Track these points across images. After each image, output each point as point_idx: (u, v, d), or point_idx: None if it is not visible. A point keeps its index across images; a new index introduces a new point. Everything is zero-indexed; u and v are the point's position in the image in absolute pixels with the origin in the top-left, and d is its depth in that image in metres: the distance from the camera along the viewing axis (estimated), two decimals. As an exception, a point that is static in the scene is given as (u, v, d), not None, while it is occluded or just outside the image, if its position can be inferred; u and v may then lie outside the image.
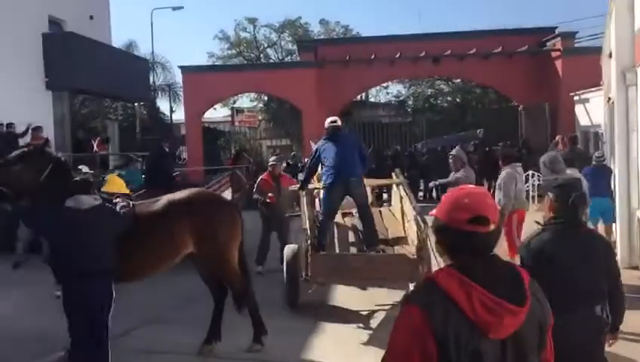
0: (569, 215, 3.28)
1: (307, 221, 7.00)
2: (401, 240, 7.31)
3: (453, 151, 8.69)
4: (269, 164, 9.71)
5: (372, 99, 36.17)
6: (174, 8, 30.43)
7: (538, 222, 3.52)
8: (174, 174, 11.97)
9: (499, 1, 64.56)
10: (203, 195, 5.79)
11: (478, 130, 23.54)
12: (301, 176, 8.74)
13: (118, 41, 26.00)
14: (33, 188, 4.92)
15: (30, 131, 12.95)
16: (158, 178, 10.14)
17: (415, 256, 6.39)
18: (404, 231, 7.51)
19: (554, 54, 19.40)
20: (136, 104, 27.14)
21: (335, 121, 7.25)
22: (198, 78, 20.28)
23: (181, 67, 20.89)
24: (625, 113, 8.53)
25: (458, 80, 29.34)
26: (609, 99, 10.00)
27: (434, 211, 1.97)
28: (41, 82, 17.38)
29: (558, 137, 12.85)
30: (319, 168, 7.52)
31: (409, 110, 32.75)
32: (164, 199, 5.32)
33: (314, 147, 7.46)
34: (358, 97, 27.58)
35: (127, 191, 6.53)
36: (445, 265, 1.91)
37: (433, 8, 62.49)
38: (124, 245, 4.64)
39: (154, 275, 5.39)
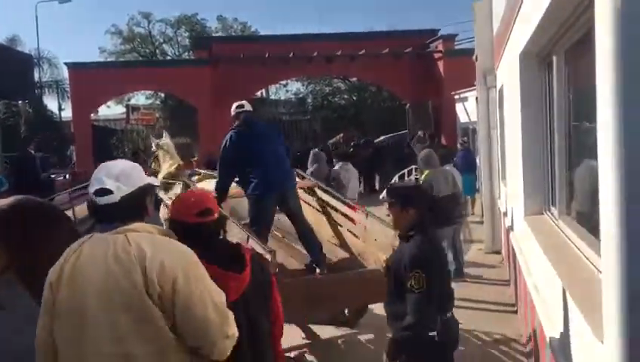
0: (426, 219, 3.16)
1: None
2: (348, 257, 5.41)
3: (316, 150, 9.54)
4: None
5: (272, 97, 36.53)
6: (61, 1, 29.06)
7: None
8: (50, 177, 11.67)
9: (392, 4, 67.14)
10: (25, 203, 4.92)
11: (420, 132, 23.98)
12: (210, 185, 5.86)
13: (-2, 35, 24.46)
14: None
15: None
16: (23, 182, 9.91)
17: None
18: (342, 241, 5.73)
19: (436, 55, 20.58)
20: (20, 102, 25.68)
21: (243, 106, 5.40)
22: (85, 75, 19.57)
23: (67, 63, 20.08)
24: (486, 112, 9.32)
25: (354, 79, 30.28)
26: (476, 98, 10.84)
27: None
28: None
29: (420, 132, 13.91)
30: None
31: (309, 108, 33.31)
32: None
33: (223, 143, 5.29)
34: (259, 94, 27.76)
35: None
36: None
37: (333, 8, 63.85)
38: None
39: None
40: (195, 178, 6.79)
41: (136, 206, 2.08)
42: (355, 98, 33.51)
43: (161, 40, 37.42)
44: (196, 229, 2.42)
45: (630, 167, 1.48)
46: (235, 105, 5.47)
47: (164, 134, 7.28)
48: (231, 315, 2.08)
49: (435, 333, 2.83)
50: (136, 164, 2.17)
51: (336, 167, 8.73)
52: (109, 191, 2.01)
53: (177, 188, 6.29)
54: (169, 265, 1.92)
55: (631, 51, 1.49)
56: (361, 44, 20.45)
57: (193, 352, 2.00)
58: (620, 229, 1.52)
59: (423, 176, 7.12)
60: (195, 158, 11.36)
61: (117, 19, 66.22)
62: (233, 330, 2.07)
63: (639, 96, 1.48)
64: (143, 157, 18.01)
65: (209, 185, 5.85)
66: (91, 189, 2.05)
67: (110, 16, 65.23)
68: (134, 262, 1.90)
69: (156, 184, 2.25)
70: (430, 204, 3.38)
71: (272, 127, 6.51)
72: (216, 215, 2.50)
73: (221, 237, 2.65)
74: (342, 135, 22.93)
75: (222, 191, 5.09)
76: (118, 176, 2.04)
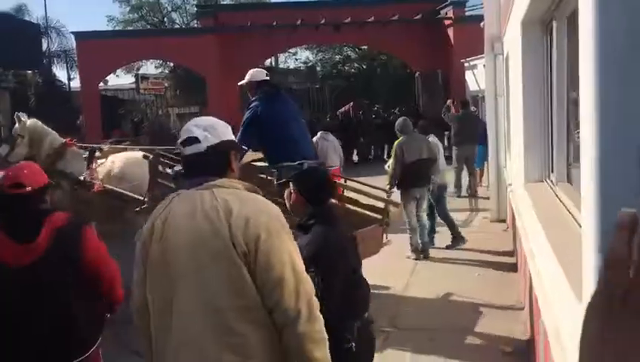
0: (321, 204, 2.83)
1: None
2: None
3: None
4: None
5: (282, 66, 36.26)
6: (68, -31, 28.75)
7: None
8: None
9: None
10: None
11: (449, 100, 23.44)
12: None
13: (5, 4, 24.36)
14: None
15: None
16: None
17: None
18: None
19: (446, 22, 20.27)
20: (29, 72, 25.73)
21: (265, 75, 5.35)
22: (93, 45, 19.52)
23: (74, 33, 20.02)
24: (493, 80, 9.23)
25: (364, 47, 29.94)
26: (484, 66, 10.72)
27: None
28: None
29: (449, 101, 13.61)
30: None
31: (319, 76, 33.06)
32: None
33: (249, 112, 5.11)
34: (268, 63, 27.57)
35: None
36: None
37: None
38: None
39: None
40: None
41: (222, 159, 2.09)
42: (364, 67, 33.18)
43: (169, 8, 37.11)
44: (8, 200, 2.72)
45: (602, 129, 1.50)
46: (254, 71, 5.35)
47: (22, 117, 6.40)
48: (310, 283, 2.01)
49: (351, 344, 2.57)
50: (224, 122, 2.19)
51: (316, 137, 8.63)
52: (196, 140, 2.04)
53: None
54: (253, 222, 1.93)
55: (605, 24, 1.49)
56: (370, 11, 20.17)
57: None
58: (595, 185, 1.54)
59: (396, 142, 7.36)
60: None
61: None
62: (309, 298, 1.97)
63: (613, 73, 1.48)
64: (146, 127, 18.05)
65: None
66: (180, 140, 2.09)
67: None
68: (221, 219, 1.92)
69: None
70: (320, 187, 2.87)
71: (292, 97, 6.53)
72: (28, 188, 2.71)
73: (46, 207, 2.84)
74: (351, 104, 22.79)
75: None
76: (206, 127, 2.08)
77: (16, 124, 6.33)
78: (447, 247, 7.57)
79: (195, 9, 35.00)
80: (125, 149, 6.96)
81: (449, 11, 20.40)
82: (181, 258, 1.95)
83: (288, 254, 1.96)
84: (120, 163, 6.25)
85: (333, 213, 2.90)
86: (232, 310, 1.91)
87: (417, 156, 7.23)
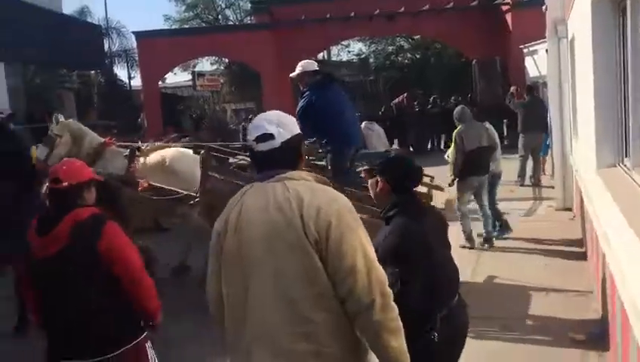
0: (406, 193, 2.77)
1: None
2: None
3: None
4: None
5: (334, 59, 36.21)
6: (126, -29, 29.66)
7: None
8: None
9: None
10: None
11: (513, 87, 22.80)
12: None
13: (69, 7, 25.38)
14: None
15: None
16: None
17: None
18: None
19: (504, 8, 19.76)
20: (92, 72, 26.73)
21: (316, 66, 5.62)
22: (152, 44, 20.10)
23: (135, 33, 20.69)
24: (557, 65, 8.96)
25: (418, 36, 29.53)
26: (546, 50, 10.42)
27: None
28: (-9, 54, 17.06)
29: (512, 88, 13.27)
30: None
31: (372, 68, 32.87)
32: None
33: (303, 102, 5.30)
34: (320, 56, 27.63)
35: None
36: None
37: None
38: None
39: None
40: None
41: (294, 152, 2.12)
42: (418, 57, 32.75)
43: (223, 5, 37.72)
44: (52, 194, 2.87)
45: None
46: (303, 64, 5.48)
47: (60, 117, 6.59)
48: (382, 271, 2.02)
49: (434, 335, 2.48)
50: (287, 115, 2.20)
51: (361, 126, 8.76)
52: (270, 137, 2.06)
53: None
54: (324, 211, 1.95)
55: None
56: (424, 0, 19.89)
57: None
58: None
59: (455, 131, 7.31)
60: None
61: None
62: (382, 286, 1.98)
63: None
64: (209, 122, 18.45)
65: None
66: (251, 136, 2.11)
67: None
68: (294, 210, 1.95)
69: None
70: (409, 175, 2.80)
71: (343, 87, 6.84)
72: (64, 184, 2.82)
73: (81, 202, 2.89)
74: (405, 95, 22.61)
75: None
76: (278, 123, 2.09)
77: (53, 125, 6.46)
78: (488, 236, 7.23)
79: (250, 5, 35.60)
80: (167, 147, 6.96)
81: (506, -5, 19.87)
82: (255, 250, 1.99)
83: (359, 241, 1.97)
84: (169, 157, 6.37)
85: (417, 203, 2.83)
86: (306, 299, 1.93)
87: (477, 144, 7.11)
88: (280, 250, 1.95)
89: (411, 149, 18.03)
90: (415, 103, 19.84)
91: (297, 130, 2.15)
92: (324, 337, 1.94)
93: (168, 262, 6.50)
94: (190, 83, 35.28)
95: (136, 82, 30.99)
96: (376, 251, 2.29)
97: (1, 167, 5.02)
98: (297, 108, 5.28)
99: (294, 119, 2.19)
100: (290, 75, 5.58)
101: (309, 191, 2.00)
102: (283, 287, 1.94)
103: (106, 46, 27.70)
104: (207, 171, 5.28)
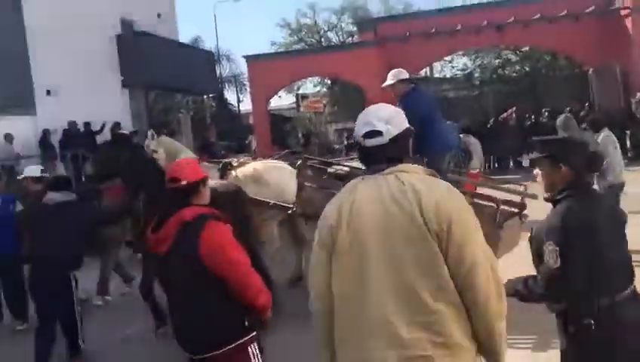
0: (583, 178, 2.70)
1: None
2: None
3: None
4: None
5: (437, 75, 35.82)
6: (236, 0, 31.28)
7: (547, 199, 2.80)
8: None
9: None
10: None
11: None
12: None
13: (185, 36, 27.08)
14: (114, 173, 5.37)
15: (107, 128, 13.97)
16: None
17: None
18: None
19: (623, 12, 18.60)
20: (205, 97, 28.20)
21: (409, 76, 5.88)
22: (262, 66, 20.89)
23: (245, 56, 21.60)
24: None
25: (526, 48, 28.50)
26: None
27: None
28: (117, 81, 18.50)
29: (639, 94, 12.40)
30: None
31: (477, 83, 32.12)
32: None
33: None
34: (423, 73, 27.40)
35: None
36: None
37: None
38: None
39: None
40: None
41: (401, 147, 2.14)
42: (527, 69, 31.56)
43: (326, 28, 38.65)
44: (169, 193, 2.97)
45: None
46: (395, 73, 5.74)
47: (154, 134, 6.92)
48: (495, 261, 2.05)
49: (590, 321, 2.42)
50: (399, 109, 2.24)
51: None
52: (378, 133, 2.10)
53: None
54: (444, 204, 1.97)
55: None
56: (533, 9, 19.17)
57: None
58: None
59: None
60: None
61: (285, 13, 69.85)
62: (497, 277, 2.02)
63: None
64: (315, 140, 18.91)
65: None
66: (360, 132, 2.14)
67: (280, 10, 69.10)
68: (411, 200, 1.97)
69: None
70: (590, 161, 2.69)
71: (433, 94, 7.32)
72: (183, 182, 2.89)
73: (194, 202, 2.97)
74: (514, 109, 21.86)
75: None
76: (387, 120, 2.12)
77: (149, 140, 6.83)
78: None
79: (351, 26, 36.19)
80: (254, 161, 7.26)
81: (626, 0, 18.69)
82: (372, 241, 1.99)
83: (478, 235, 2.01)
84: (261, 169, 6.60)
85: (588, 189, 2.74)
86: (427, 289, 1.94)
87: None
88: (398, 240, 1.97)
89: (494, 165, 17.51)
90: (527, 116, 19.11)
91: (406, 124, 2.17)
92: (444, 326, 1.94)
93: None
94: (294, 105, 36.40)
95: (244, 105, 32.41)
96: (539, 230, 2.43)
97: (130, 176, 5.33)
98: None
99: (402, 114, 2.21)
100: (383, 84, 5.83)
101: (424, 184, 2.01)
102: (403, 278, 1.95)
103: (218, 72, 29.15)
104: (304, 181, 5.51)
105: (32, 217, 5.32)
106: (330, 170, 6.22)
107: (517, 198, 5.58)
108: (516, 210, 5.35)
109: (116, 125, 14.28)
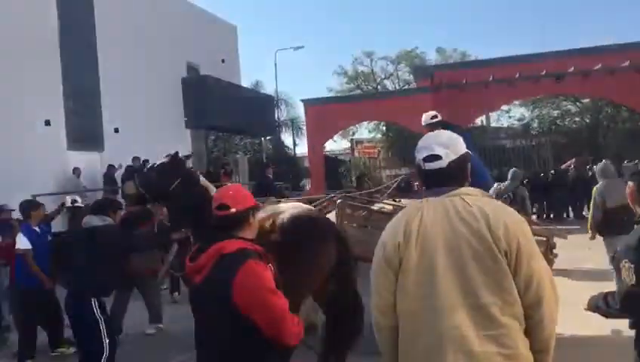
0: None
1: None
2: None
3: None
4: None
5: (494, 124, 35.56)
6: (295, 48, 32.33)
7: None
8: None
9: (621, 15, 61.00)
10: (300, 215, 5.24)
11: None
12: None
13: (246, 81, 28.05)
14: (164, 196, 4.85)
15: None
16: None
17: None
18: None
19: (691, 63, 18.12)
20: (262, 139, 28.93)
21: (437, 116, 6.46)
22: (319, 110, 21.32)
23: (303, 100, 22.11)
24: None
25: (586, 100, 28.03)
26: None
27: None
28: (181, 121, 19.32)
29: None
30: None
31: (534, 133, 31.71)
32: None
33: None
34: (479, 122, 27.28)
35: None
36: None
37: (553, 27, 60.46)
38: None
39: None
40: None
41: (460, 171, 2.25)
42: (588, 120, 30.98)
43: (382, 76, 39.23)
44: (216, 220, 2.73)
45: None
46: (429, 114, 6.47)
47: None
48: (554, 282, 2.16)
49: None
50: (457, 135, 2.34)
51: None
52: (438, 157, 2.21)
53: None
54: (511, 226, 2.07)
55: None
56: (594, 59, 18.93)
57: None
58: None
59: (595, 188, 7.27)
60: None
61: (343, 61, 71.42)
62: (557, 296, 2.15)
63: None
64: (368, 182, 18.86)
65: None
66: (420, 156, 2.26)
67: (337, 58, 70.90)
68: (479, 220, 2.07)
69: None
70: None
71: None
72: (232, 210, 2.68)
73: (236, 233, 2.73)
74: (574, 160, 21.41)
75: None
76: (447, 144, 2.24)
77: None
78: None
79: (407, 75, 36.54)
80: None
81: (693, 49, 18.25)
82: (441, 259, 2.07)
83: (542, 256, 2.15)
84: (286, 208, 6.43)
85: None
86: (495, 304, 2.02)
87: (621, 201, 6.59)
88: (467, 258, 2.05)
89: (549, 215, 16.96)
90: (588, 168, 18.71)
91: (464, 149, 2.27)
92: (511, 339, 2.03)
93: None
94: (348, 150, 36.77)
95: (300, 149, 32.98)
96: (620, 249, 2.67)
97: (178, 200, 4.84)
98: None
99: (462, 140, 2.31)
100: (423, 124, 6.41)
101: (490, 206, 2.12)
102: (473, 294, 2.03)
103: (276, 115, 29.93)
104: (343, 219, 5.50)
105: (62, 243, 5.57)
106: (373, 207, 6.17)
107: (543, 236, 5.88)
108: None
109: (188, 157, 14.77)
